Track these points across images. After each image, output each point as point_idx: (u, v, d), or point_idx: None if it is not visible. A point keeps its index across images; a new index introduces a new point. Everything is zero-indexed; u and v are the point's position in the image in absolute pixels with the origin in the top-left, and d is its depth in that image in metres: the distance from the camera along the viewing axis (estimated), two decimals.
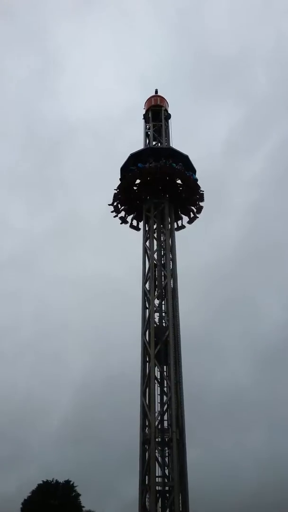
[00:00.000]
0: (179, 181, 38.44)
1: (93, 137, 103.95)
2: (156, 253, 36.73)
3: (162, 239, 37.37)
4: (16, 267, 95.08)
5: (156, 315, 34.13)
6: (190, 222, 40.00)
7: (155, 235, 37.51)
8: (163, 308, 34.57)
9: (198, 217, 40.09)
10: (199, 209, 39.93)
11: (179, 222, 39.85)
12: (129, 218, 40.03)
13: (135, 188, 38.76)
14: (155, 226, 37.70)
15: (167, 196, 38.39)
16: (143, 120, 42.53)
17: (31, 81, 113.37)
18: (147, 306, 34.79)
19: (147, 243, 37.20)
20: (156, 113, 42.07)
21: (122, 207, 39.68)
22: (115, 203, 39.60)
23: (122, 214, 40.07)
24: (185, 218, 40.30)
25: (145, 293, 35.20)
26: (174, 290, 35.50)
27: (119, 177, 39.34)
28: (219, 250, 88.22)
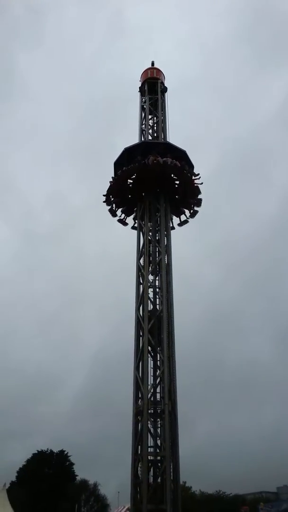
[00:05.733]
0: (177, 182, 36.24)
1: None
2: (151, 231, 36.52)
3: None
4: (52, 241, 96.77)
5: (150, 290, 34.27)
6: (180, 224, 38.00)
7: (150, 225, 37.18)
8: (157, 284, 34.66)
9: (188, 221, 37.43)
10: (193, 214, 37.60)
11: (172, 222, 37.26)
12: (119, 212, 38.26)
13: (129, 182, 36.76)
14: (149, 225, 35.42)
15: (163, 194, 35.90)
16: (138, 93, 41.63)
17: (94, 40, 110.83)
18: (141, 281, 34.91)
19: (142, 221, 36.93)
20: (152, 86, 41.14)
21: (113, 199, 37.66)
22: (109, 196, 37.46)
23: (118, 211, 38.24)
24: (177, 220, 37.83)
25: (139, 269, 35.28)
26: (168, 266, 35.46)
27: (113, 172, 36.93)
28: (253, 224, 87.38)
